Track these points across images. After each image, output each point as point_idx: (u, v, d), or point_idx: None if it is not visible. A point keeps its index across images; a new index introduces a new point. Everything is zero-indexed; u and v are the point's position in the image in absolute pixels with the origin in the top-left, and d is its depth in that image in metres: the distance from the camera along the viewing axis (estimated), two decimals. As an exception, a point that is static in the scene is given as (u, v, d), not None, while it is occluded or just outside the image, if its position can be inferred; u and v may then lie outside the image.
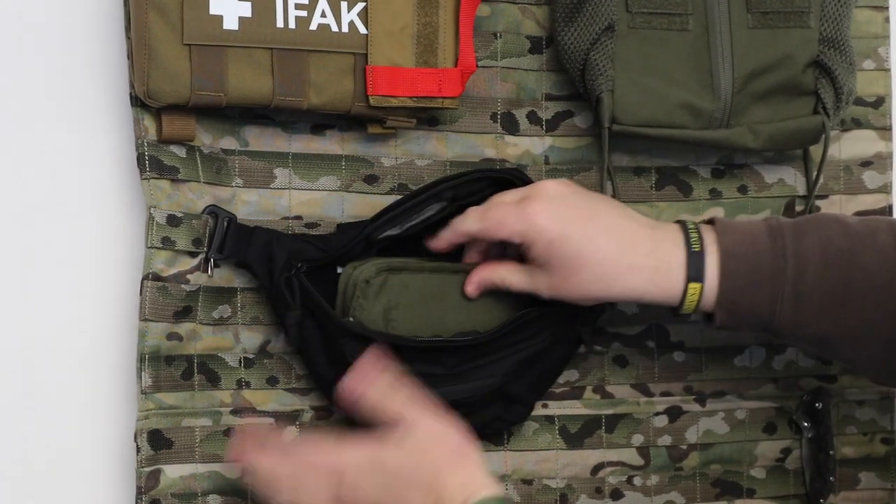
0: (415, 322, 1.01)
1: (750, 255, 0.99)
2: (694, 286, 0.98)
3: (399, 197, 1.07)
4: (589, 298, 1.00)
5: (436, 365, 1.01)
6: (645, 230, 1.00)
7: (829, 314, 0.98)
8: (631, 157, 1.14)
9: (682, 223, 1.01)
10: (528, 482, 1.11)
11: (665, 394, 1.14)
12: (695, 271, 0.98)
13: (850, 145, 1.18)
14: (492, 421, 1.07)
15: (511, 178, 1.05)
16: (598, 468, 1.13)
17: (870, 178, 1.19)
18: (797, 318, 0.99)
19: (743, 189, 1.16)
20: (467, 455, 0.93)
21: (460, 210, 1.04)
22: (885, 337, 0.99)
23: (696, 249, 0.99)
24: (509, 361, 1.02)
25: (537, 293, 1.01)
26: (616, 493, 1.13)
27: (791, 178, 1.17)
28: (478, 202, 1.04)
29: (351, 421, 1.04)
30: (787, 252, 0.99)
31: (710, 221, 1.02)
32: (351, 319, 1.00)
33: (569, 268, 0.98)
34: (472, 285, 1.03)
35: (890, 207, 1.19)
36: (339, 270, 1.03)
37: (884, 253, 0.99)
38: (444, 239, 1.03)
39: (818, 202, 1.17)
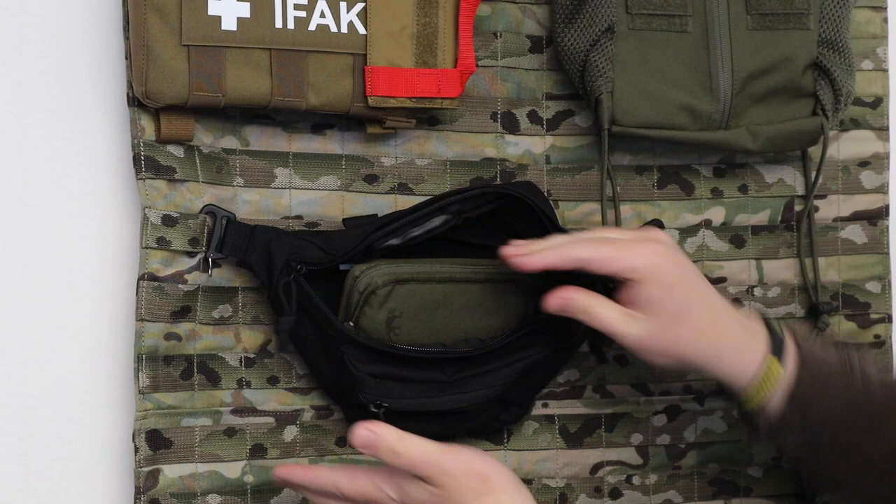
0: (418, 329, 1.01)
1: (823, 356, 0.99)
2: (776, 365, 0.98)
3: (399, 196, 1.07)
4: (674, 356, 0.98)
5: (436, 372, 1.01)
6: (730, 305, 1.00)
7: (882, 434, 0.98)
8: (633, 155, 1.14)
9: (760, 313, 1.02)
10: (527, 482, 1.11)
11: (664, 393, 1.14)
12: (776, 347, 0.98)
13: (848, 145, 1.19)
14: (489, 422, 1.07)
15: (519, 194, 1.04)
16: (597, 467, 1.13)
17: (867, 178, 1.19)
18: (852, 432, 0.98)
19: (743, 188, 1.16)
20: (492, 483, 0.91)
21: (464, 223, 1.04)
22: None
23: (779, 332, 1.00)
24: (509, 371, 1.03)
25: (620, 337, 0.97)
26: (615, 493, 1.13)
27: (791, 178, 1.17)
28: (483, 215, 1.04)
29: (351, 421, 1.04)
30: (853, 364, 0.99)
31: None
32: (351, 324, 1.00)
33: (677, 315, 0.96)
34: (559, 301, 0.98)
35: (887, 208, 1.19)
36: (343, 267, 1.03)
37: None
38: (542, 260, 0.97)
39: (817, 202, 1.18)
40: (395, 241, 1.03)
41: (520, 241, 0.99)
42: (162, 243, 1.00)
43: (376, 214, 1.06)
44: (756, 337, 0.99)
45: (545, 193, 1.11)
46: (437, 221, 1.04)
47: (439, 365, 1.01)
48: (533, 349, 1.03)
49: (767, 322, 1.01)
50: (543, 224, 1.04)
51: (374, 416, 1.00)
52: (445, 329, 1.02)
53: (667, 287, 0.96)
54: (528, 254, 0.97)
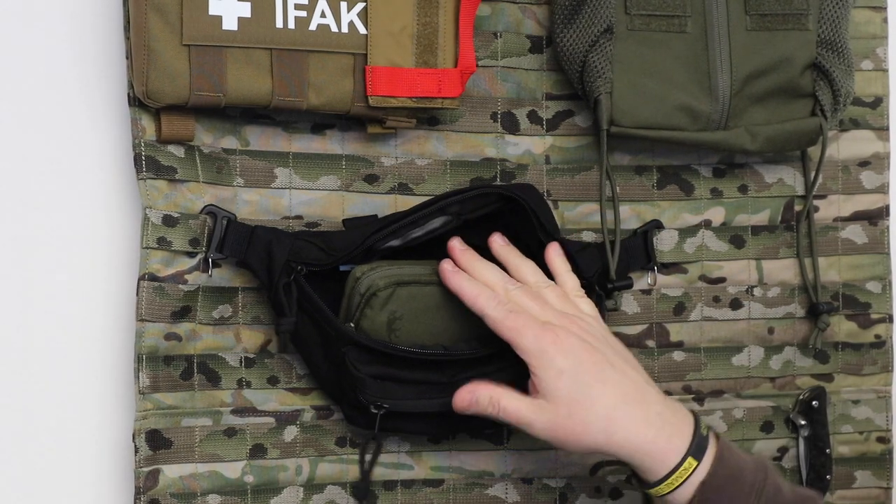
0: (418, 331, 1.01)
1: (739, 460, 0.97)
2: (691, 462, 0.95)
3: (399, 196, 1.07)
4: (585, 444, 0.96)
5: (436, 373, 1.01)
6: (658, 395, 0.98)
7: None
8: (633, 156, 1.14)
9: (692, 411, 0.99)
10: (527, 481, 1.11)
11: (664, 393, 1.14)
12: (697, 450, 0.96)
13: (848, 145, 1.19)
14: (488, 423, 1.07)
15: (517, 196, 1.04)
16: (597, 467, 1.13)
17: (867, 178, 1.19)
18: None
19: (743, 189, 1.16)
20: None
21: (465, 224, 1.04)
22: None
23: (704, 434, 0.97)
24: (508, 373, 1.02)
25: (530, 428, 0.97)
26: (615, 493, 1.13)
27: (790, 178, 1.17)
28: (483, 217, 1.05)
29: (351, 422, 1.04)
30: (769, 473, 0.97)
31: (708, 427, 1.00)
32: (352, 325, 1.00)
33: (575, 402, 0.95)
34: (467, 396, 0.98)
35: (887, 208, 1.19)
36: (343, 268, 1.03)
37: None
38: (455, 285, 1.00)
39: (817, 202, 1.18)
40: (395, 243, 1.03)
41: (465, 248, 1.02)
42: (162, 243, 1.00)
43: (376, 215, 1.06)
44: (678, 432, 0.96)
45: (545, 193, 1.11)
46: (437, 223, 1.04)
47: (439, 366, 1.01)
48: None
49: (695, 418, 0.98)
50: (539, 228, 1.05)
51: (374, 417, 1.00)
52: (446, 331, 1.02)
53: (556, 373, 0.95)
54: (454, 273, 1.00)
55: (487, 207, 1.05)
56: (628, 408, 0.96)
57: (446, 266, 1.01)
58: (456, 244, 1.03)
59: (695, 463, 0.95)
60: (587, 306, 1.03)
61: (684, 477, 0.95)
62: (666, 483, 0.96)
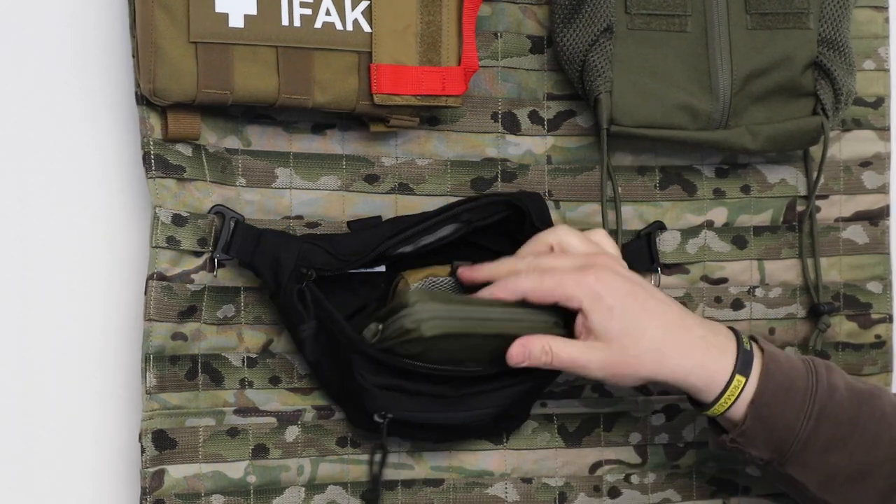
0: (440, 360, 0.99)
1: (788, 367, 1.00)
2: (739, 379, 0.99)
3: (399, 196, 1.07)
4: (640, 375, 0.99)
5: (444, 387, 1.00)
6: (697, 318, 1.01)
7: (845, 444, 0.99)
8: (635, 156, 1.14)
9: (732, 327, 1.02)
10: (527, 481, 1.11)
11: (662, 392, 1.15)
12: (743, 366, 0.99)
13: (849, 145, 1.19)
14: (489, 430, 1.07)
15: (522, 205, 1.04)
16: (596, 466, 1.13)
17: (869, 178, 1.19)
18: (815, 442, 0.99)
19: (746, 189, 1.16)
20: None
21: (475, 231, 1.04)
22: (892, 482, 1.00)
23: (748, 348, 1.00)
24: (516, 390, 1.02)
25: (587, 371, 0.98)
26: (614, 492, 1.13)
27: (793, 179, 1.17)
28: (493, 225, 1.05)
29: (354, 423, 1.04)
30: (819, 376, 1.00)
31: (752, 337, 1.03)
32: (375, 336, 0.99)
33: (627, 337, 0.97)
34: (519, 351, 0.98)
35: (888, 208, 1.20)
36: (351, 270, 1.02)
37: (894, 403, 1.02)
38: (490, 292, 0.99)
39: (818, 202, 1.18)
40: (407, 249, 1.02)
41: (474, 266, 1.03)
42: (172, 243, 0.99)
43: (380, 217, 1.06)
44: (722, 352, 0.99)
45: (547, 194, 1.11)
46: (448, 230, 1.04)
47: (448, 381, 1.00)
48: (541, 370, 1.02)
49: (736, 334, 1.01)
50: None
51: (378, 426, 1.00)
52: (466, 355, 1.01)
53: (607, 311, 0.97)
54: (482, 286, 1.01)
55: (497, 215, 1.04)
56: (674, 335, 0.98)
57: (465, 274, 1.03)
58: (464, 274, 1.03)
59: (743, 379, 0.99)
60: (607, 242, 1.03)
61: (735, 394, 0.99)
62: (720, 403, 0.99)
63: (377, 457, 1.02)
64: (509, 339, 0.99)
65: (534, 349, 0.98)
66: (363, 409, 1.00)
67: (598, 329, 0.97)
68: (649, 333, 0.98)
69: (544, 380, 1.04)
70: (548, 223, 1.06)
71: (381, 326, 0.99)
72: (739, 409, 0.99)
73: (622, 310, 0.97)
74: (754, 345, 1.01)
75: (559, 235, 1.02)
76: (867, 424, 1.00)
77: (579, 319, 0.98)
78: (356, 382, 0.98)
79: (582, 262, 0.99)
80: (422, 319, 0.96)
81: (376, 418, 0.99)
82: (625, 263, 1.03)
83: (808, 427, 0.98)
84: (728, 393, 0.99)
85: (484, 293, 1.00)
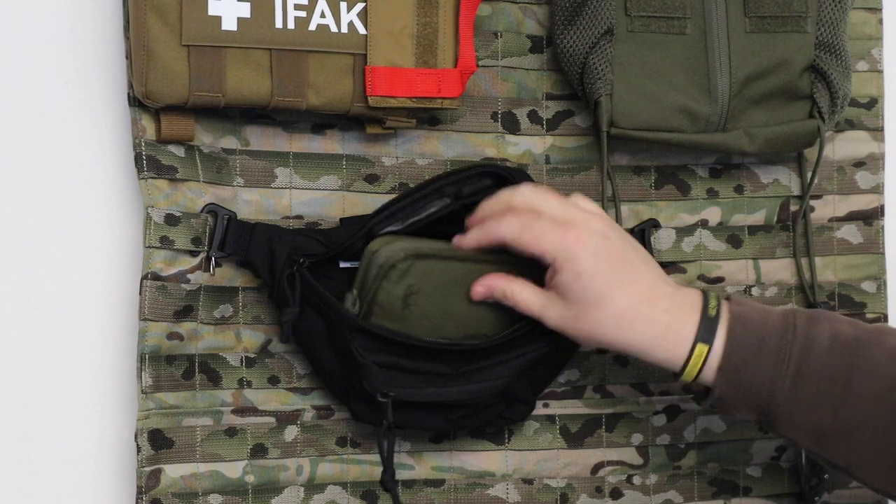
0: (434, 307, 1.00)
1: (759, 327, 0.99)
2: (701, 348, 0.98)
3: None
4: (594, 340, 0.99)
5: (442, 364, 1.01)
6: (668, 289, 1.00)
7: (828, 401, 0.98)
8: (631, 156, 1.14)
9: (704, 292, 1.01)
10: (528, 482, 1.11)
11: (664, 393, 1.15)
12: (705, 334, 0.98)
13: (843, 146, 1.19)
14: (494, 419, 1.07)
15: (511, 177, 1.05)
16: (598, 467, 1.13)
17: (862, 178, 1.20)
18: (796, 402, 0.98)
19: (739, 189, 1.17)
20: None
21: (464, 208, 1.04)
22: (883, 437, 0.97)
23: (712, 315, 0.99)
24: (513, 365, 1.02)
25: (543, 320, 0.99)
26: (616, 493, 1.13)
27: (786, 179, 1.18)
28: (481, 200, 1.04)
29: (357, 418, 1.04)
30: (797, 332, 0.99)
31: (728, 298, 1.02)
32: (354, 305, 1.00)
33: (588, 303, 0.97)
34: (482, 289, 1.00)
35: (882, 208, 1.20)
36: (343, 265, 1.03)
37: (892, 353, 0.98)
38: (473, 239, 1.01)
39: (812, 202, 1.18)
40: (395, 227, 1.03)
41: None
42: (165, 242, 0.99)
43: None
44: (684, 322, 0.98)
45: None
46: (436, 206, 1.04)
47: (445, 358, 1.01)
48: (536, 344, 1.03)
49: (705, 299, 1.00)
50: None
51: (381, 407, 0.99)
52: (460, 309, 1.01)
53: (575, 275, 0.97)
54: (464, 236, 1.01)
55: (484, 192, 1.04)
56: (636, 309, 0.98)
57: (457, 238, 1.02)
58: (459, 240, 1.02)
59: (705, 348, 0.98)
60: (588, 203, 1.02)
61: (700, 363, 0.98)
62: (686, 372, 0.99)
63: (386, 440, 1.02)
64: (489, 306, 1.01)
65: (496, 291, 1.00)
66: (365, 394, 1.00)
67: (562, 288, 0.98)
68: (610, 304, 0.97)
69: (545, 351, 1.04)
70: None
71: (356, 292, 1.00)
72: (709, 376, 0.99)
73: (590, 277, 0.97)
74: (724, 307, 1.00)
75: (525, 196, 1.00)
76: (853, 377, 0.97)
77: (550, 271, 0.99)
78: (356, 362, 0.98)
79: (566, 218, 0.98)
80: (392, 249, 0.98)
81: (379, 398, 0.99)
82: (611, 220, 1.01)
83: (786, 387, 0.97)
84: (692, 362, 0.98)
85: (464, 237, 1.01)
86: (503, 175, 1.05)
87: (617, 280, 0.97)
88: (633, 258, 0.99)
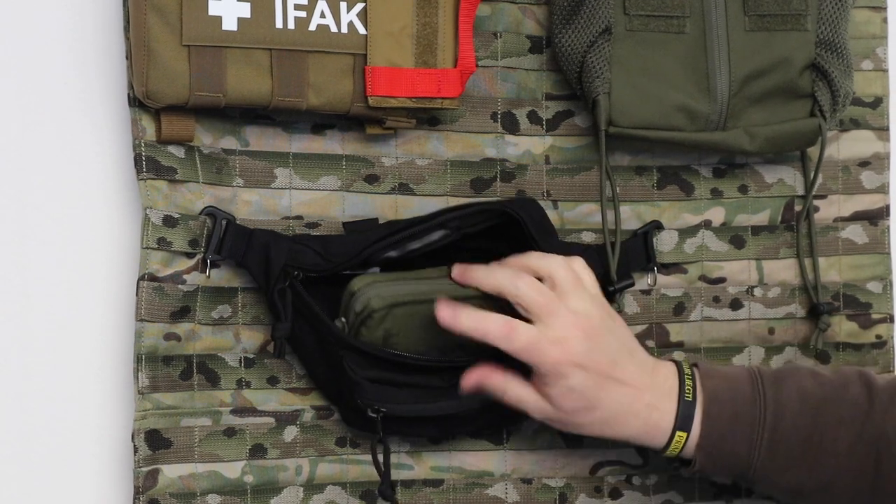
0: (414, 345, 1.01)
1: (731, 401, 1.01)
2: (680, 435, 1.01)
3: (399, 196, 1.07)
4: (581, 433, 1.03)
5: (434, 378, 1.01)
6: (647, 379, 1.02)
7: (804, 462, 1.01)
8: (633, 156, 1.14)
9: (678, 366, 1.03)
10: (527, 481, 1.11)
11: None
12: (683, 421, 1.01)
13: (848, 145, 1.19)
14: (489, 425, 1.07)
15: (516, 215, 1.04)
16: (597, 467, 1.13)
17: (868, 177, 1.19)
18: (773, 466, 1.01)
19: (743, 189, 1.16)
20: None
21: (463, 238, 1.04)
22: (859, 488, 1.02)
23: (689, 399, 1.02)
24: None
25: (534, 417, 1.01)
26: (615, 493, 1.13)
27: (791, 178, 1.17)
28: (483, 231, 1.05)
29: (349, 423, 1.04)
30: (767, 399, 1.02)
31: (695, 364, 1.04)
32: (344, 323, 1.00)
33: (576, 412, 1.00)
34: (470, 383, 1.01)
35: (887, 208, 1.19)
36: (372, 271, 1.03)
37: (856, 403, 1.02)
38: (474, 279, 1.01)
39: (817, 202, 1.18)
40: (393, 254, 1.03)
41: (467, 267, 1.02)
42: (162, 244, 1.00)
43: (377, 219, 1.06)
44: (664, 412, 1.01)
45: (545, 194, 1.11)
46: (435, 236, 1.04)
47: (437, 371, 1.01)
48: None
49: (680, 382, 1.02)
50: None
51: (373, 420, 1.00)
52: (441, 340, 1.01)
53: (567, 390, 0.99)
54: (466, 268, 1.02)
55: (487, 223, 1.05)
56: (625, 408, 1.01)
57: (457, 271, 1.02)
58: (457, 275, 1.02)
59: (684, 434, 1.01)
60: (585, 273, 1.03)
61: (679, 447, 1.02)
62: (668, 452, 1.02)
63: (380, 456, 1.01)
64: None
65: (486, 385, 1.01)
66: (357, 406, 1.00)
67: (551, 399, 0.99)
68: (598, 411, 1.00)
69: None
70: (548, 231, 1.06)
71: (344, 320, 1.00)
72: (690, 451, 1.02)
73: (580, 391, 0.99)
74: (698, 386, 1.02)
75: (551, 268, 1.01)
76: (824, 435, 1.01)
77: (535, 377, 0.99)
78: (347, 377, 0.99)
79: (543, 308, 0.98)
80: (369, 297, 0.99)
81: (370, 413, 0.99)
82: (602, 302, 1.02)
83: (761, 455, 1.01)
84: (673, 446, 1.02)
85: (466, 273, 1.01)
86: (508, 212, 1.05)
87: (605, 387, 1.00)
88: (619, 358, 1.01)
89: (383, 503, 1.05)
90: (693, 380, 1.02)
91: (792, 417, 1.01)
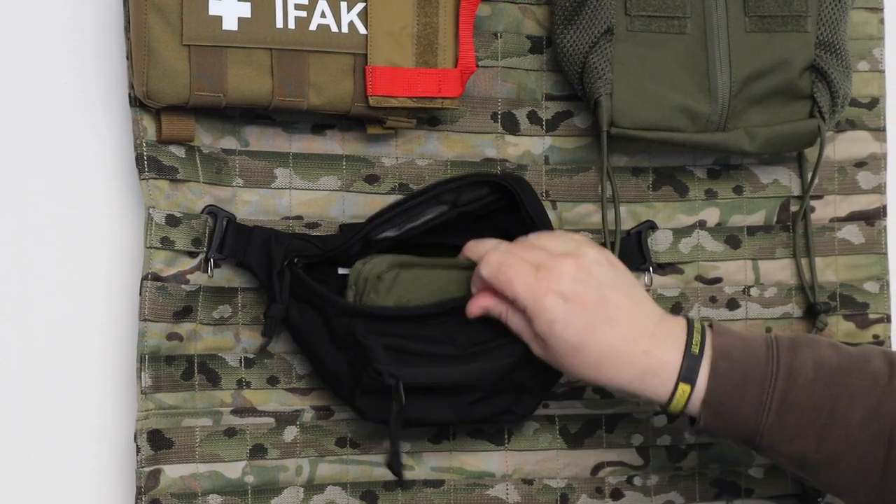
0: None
1: (742, 360, 0.98)
2: (683, 387, 0.97)
3: (399, 196, 1.07)
4: (579, 377, 1.00)
5: (447, 346, 1.00)
6: (649, 326, 0.98)
7: (813, 431, 0.97)
8: (629, 157, 1.14)
9: (689, 321, 1.00)
10: (528, 482, 1.11)
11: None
12: (688, 373, 0.97)
13: (844, 146, 1.19)
14: (501, 412, 1.05)
15: (510, 186, 1.04)
16: (598, 468, 1.13)
17: (864, 178, 1.19)
18: (781, 432, 0.97)
19: (738, 189, 1.16)
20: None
21: (460, 216, 1.04)
22: (866, 466, 0.97)
23: (695, 352, 0.98)
24: (519, 346, 1.01)
25: (530, 346, 1.00)
26: (616, 493, 1.13)
27: (786, 179, 1.18)
28: (479, 209, 1.05)
29: (365, 417, 1.03)
30: (781, 362, 0.98)
31: (711, 324, 1.01)
32: (353, 291, 1.01)
33: (565, 351, 0.97)
34: (477, 309, 1.01)
35: (884, 208, 1.20)
36: (341, 271, 1.03)
37: (875, 377, 0.97)
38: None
39: (813, 202, 1.18)
40: (392, 233, 1.03)
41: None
42: (166, 243, 1.00)
43: None
44: (665, 363, 0.97)
45: (544, 194, 1.11)
46: (433, 212, 1.04)
47: (450, 336, 1.00)
48: None
49: (688, 334, 0.99)
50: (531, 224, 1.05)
51: (388, 390, 0.98)
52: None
53: (548, 324, 0.97)
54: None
55: (482, 200, 1.05)
56: (615, 351, 0.97)
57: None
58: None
59: (688, 387, 0.97)
60: (590, 247, 1.01)
61: (683, 400, 0.98)
62: (671, 406, 0.98)
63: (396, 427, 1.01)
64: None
65: (492, 310, 1.01)
66: (371, 387, 0.99)
67: (540, 334, 0.98)
68: (586, 350, 0.97)
69: None
70: (539, 207, 1.06)
71: (354, 288, 1.01)
72: (695, 408, 0.98)
73: (563, 325, 0.96)
74: (708, 341, 0.98)
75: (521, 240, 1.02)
76: (836, 406, 0.96)
77: (525, 318, 0.99)
78: (360, 346, 0.98)
79: (544, 260, 0.98)
80: (375, 263, 1.00)
81: (387, 380, 0.97)
82: (605, 258, 1.01)
83: (770, 419, 0.97)
84: (675, 399, 0.97)
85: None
86: (501, 183, 1.05)
87: (590, 325, 0.97)
88: (612, 297, 0.98)
89: (384, 500, 1.05)
90: (702, 335, 0.99)
91: (805, 384, 0.97)
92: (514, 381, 1.04)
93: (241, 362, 1.04)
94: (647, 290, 1.14)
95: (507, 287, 0.98)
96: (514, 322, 1.00)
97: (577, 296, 0.97)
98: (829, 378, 0.97)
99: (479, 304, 1.01)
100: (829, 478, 0.99)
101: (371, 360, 0.98)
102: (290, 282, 1.00)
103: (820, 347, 0.99)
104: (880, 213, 1.19)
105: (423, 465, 1.09)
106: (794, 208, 1.18)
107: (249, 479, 1.03)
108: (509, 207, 1.06)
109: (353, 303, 1.00)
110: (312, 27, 1.00)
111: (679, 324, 0.99)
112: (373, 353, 0.98)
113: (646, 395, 0.99)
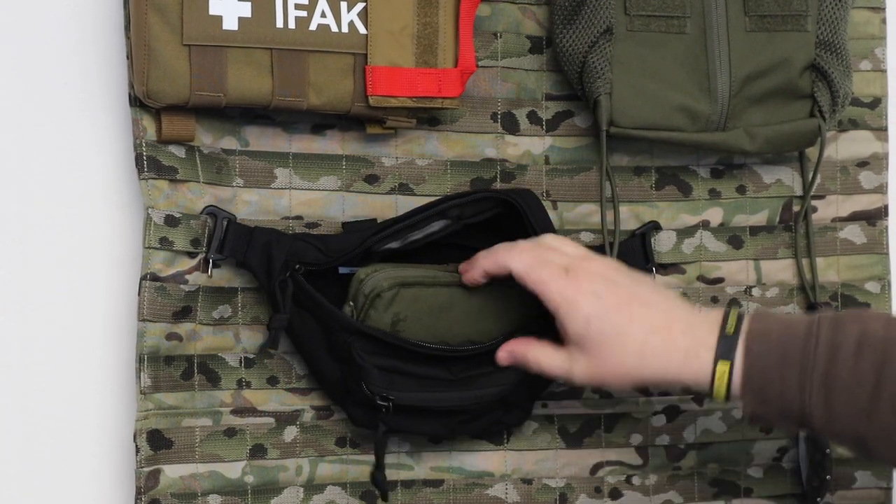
0: (422, 332, 1.01)
1: (780, 341, 0.95)
2: (722, 366, 0.95)
3: (399, 196, 1.07)
4: (625, 380, 0.98)
5: (441, 370, 1.01)
6: (682, 313, 0.98)
7: (861, 408, 0.93)
8: (631, 157, 1.14)
9: (727, 310, 0.98)
10: (527, 482, 1.11)
11: (663, 393, 1.14)
12: (724, 352, 0.96)
13: (846, 146, 1.19)
14: (491, 424, 1.07)
15: (515, 201, 1.04)
16: (597, 467, 1.13)
17: (866, 178, 1.19)
18: (829, 411, 0.94)
19: (741, 189, 1.16)
20: None
21: (464, 228, 1.04)
22: None
23: (730, 333, 0.96)
24: (512, 373, 1.02)
25: (571, 378, 0.99)
26: (615, 493, 1.13)
27: (789, 179, 1.17)
28: (483, 222, 1.05)
29: (355, 421, 1.04)
30: (821, 340, 0.95)
31: (751, 314, 0.99)
32: (352, 307, 1.00)
33: (606, 345, 0.96)
34: (505, 355, 1.01)
35: (886, 208, 1.19)
36: (342, 271, 1.03)
37: None
38: (481, 266, 1.01)
39: (815, 202, 1.18)
40: (394, 245, 1.03)
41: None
42: (164, 243, 1.00)
43: (375, 220, 1.06)
44: (702, 345, 0.96)
45: (544, 194, 1.11)
46: (436, 226, 1.04)
47: (445, 363, 1.01)
48: None
49: (725, 317, 0.97)
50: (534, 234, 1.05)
51: (380, 411, 1.00)
52: (449, 333, 1.02)
53: (585, 321, 0.96)
54: (472, 266, 1.01)
55: (487, 212, 1.05)
56: (655, 339, 0.96)
57: (464, 264, 1.02)
58: (462, 268, 1.03)
59: (727, 365, 0.95)
60: (594, 263, 1.01)
61: (725, 381, 0.95)
62: (716, 392, 0.96)
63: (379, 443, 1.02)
64: (484, 320, 1.02)
65: (518, 356, 1.01)
66: (362, 399, 1.00)
67: (577, 339, 0.97)
68: (628, 339, 0.96)
69: None
70: (546, 221, 1.06)
71: (352, 304, 1.00)
72: (738, 394, 0.96)
73: (599, 319, 0.96)
74: (744, 324, 0.97)
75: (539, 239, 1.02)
76: (882, 381, 0.92)
77: (558, 324, 0.98)
78: (355, 364, 0.98)
79: (569, 264, 0.98)
80: (377, 279, 0.99)
81: (378, 401, 0.99)
82: (616, 264, 1.01)
83: (815, 397, 0.93)
84: (717, 382, 0.96)
85: (471, 263, 1.01)
86: (508, 200, 1.05)
87: (628, 314, 0.96)
88: (640, 291, 0.98)
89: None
90: (738, 318, 0.97)
91: (847, 358, 0.93)
92: (504, 400, 1.04)
93: (240, 362, 1.04)
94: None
95: (539, 285, 0.97)
96: (550, 359, 0.99)
97: (608, 292, 0.97)
98: (872, 351, 0.93)
99: (508, 349, 1.01)
100: (890, 453, 0.95)
101: (364, 380, 0.99)
102: (293, 290, 1.00)
103: (868, 321, 0.95)
104: (882, 213, 1.19)
105: (423, 464, 1.09)
106: (796, 208, 1.18)
107: (249, 479, 1.04)
108: (510, 216, 1.05)
109: (355, 321, 1.00)
110: (312, 27, 1.00)
111: (716, 311, 0.99)
112: (367, 374, 0.99)
113: (689, 381, 0.97)
